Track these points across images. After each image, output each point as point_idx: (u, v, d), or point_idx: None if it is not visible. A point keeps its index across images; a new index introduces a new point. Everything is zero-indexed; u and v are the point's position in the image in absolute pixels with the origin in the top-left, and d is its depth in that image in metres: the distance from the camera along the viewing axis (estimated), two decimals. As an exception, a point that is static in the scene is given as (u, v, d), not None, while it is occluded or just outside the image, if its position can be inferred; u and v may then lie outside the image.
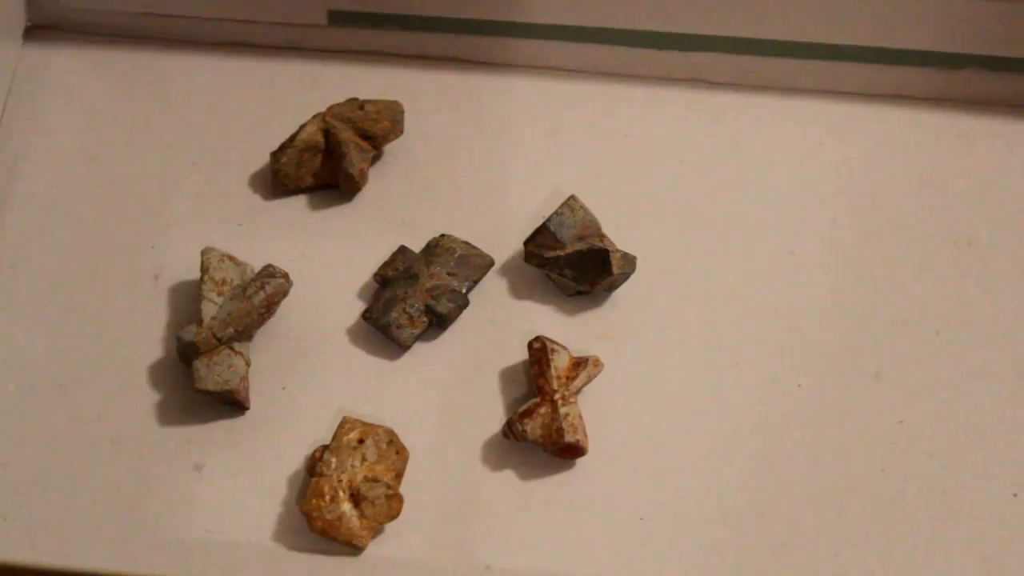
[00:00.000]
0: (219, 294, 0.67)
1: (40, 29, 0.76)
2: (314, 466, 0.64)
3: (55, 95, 0.74)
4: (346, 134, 0.72)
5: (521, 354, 0.68)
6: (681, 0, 0.73)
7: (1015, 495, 0.66)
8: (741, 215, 0.72)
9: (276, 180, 0.72)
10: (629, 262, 0.69)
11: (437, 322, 0.69)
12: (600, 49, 0.75)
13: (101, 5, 0.75)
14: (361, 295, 0.70)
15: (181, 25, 0.76)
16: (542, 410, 0.65)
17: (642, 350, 0.68)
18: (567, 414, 0.65)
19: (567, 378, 0.66)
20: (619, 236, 0.70)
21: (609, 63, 0.75)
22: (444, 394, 0.68)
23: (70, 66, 0.75)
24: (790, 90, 0.75)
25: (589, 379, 0.66)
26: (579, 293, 0.70)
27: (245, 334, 0.67)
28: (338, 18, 0.75)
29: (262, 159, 0.73)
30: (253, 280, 0.68)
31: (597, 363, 0.67)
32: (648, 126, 0.74)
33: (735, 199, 0.72)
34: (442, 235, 0.70)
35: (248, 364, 0.67)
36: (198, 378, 0.66)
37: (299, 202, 0.72)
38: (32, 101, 0.74)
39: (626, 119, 0.74)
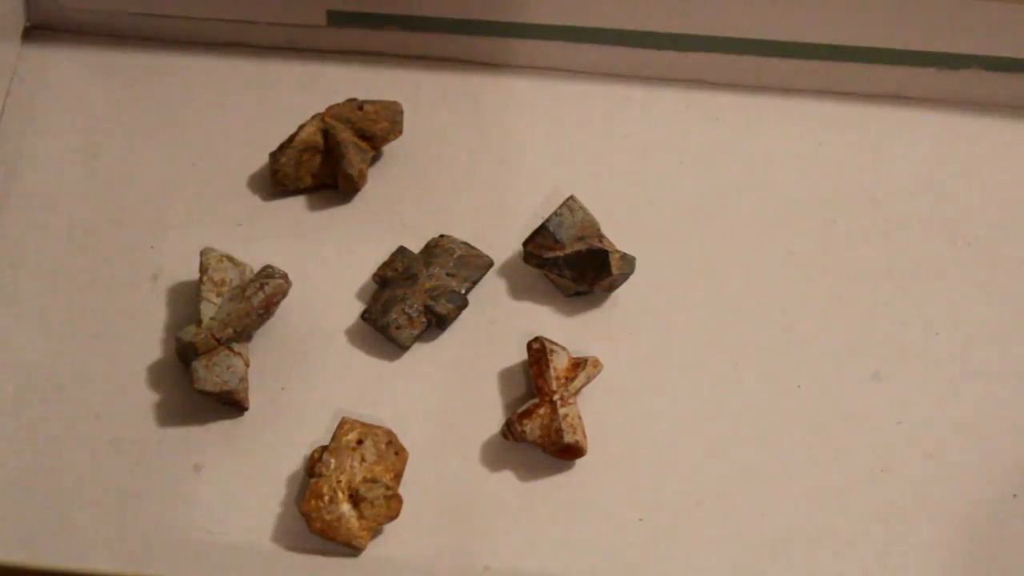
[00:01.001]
0: (218, 295, 0.67)
1: (39, 30, 0.76)
2: (313, 467, 0.64)
3: (54, 96, 0.74)
4: (345, 134, 0.72)
5: (520, 355, 0.68)
6: (680, 1, 0.73)
7: (1015, 496, 0.66)
8: (740, 215, 0.72)
9: (275, 180, 0.72)
10: (628, 263, 0.69)
11: (436, 323, 0.69)
12: (599, 49, 0.75)
13: (100, 6, 0.75)
14: (360, 296, 0.70)
15: (180, 25, 0.75)
16: (541, 411, 0.65)
17: (641, 351, 0.68)
18: (566, 415, 0.65)
19: (566, 379, 0.66)
20: (618, 236, 0.70)
21: (608, 63, 0.75)
22: (443, 395, 0.67)
23: (69, 67, 0.75)
24: (789, 90, 0.75)
25: (588, 380, 0.66)
26: (578, 294, 0.69)
27: (244, 335, 0.67)
28: (337, 18, 0.75)
29: (261, 159, 0.73)
30: (252, 281, 0.68)
31: (596, 364, 0.67)
32: (647, 126, 0.74)
33: (734, 199, 0.72)
34: (441, 235, 0.70)
35: (247, 365, 0.67)
36: (197, 379, 0.65)
37: (298, 203, 0.72)
38: (31, 102, 0.74)
39: (625, 119, 0.74)
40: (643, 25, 0.74)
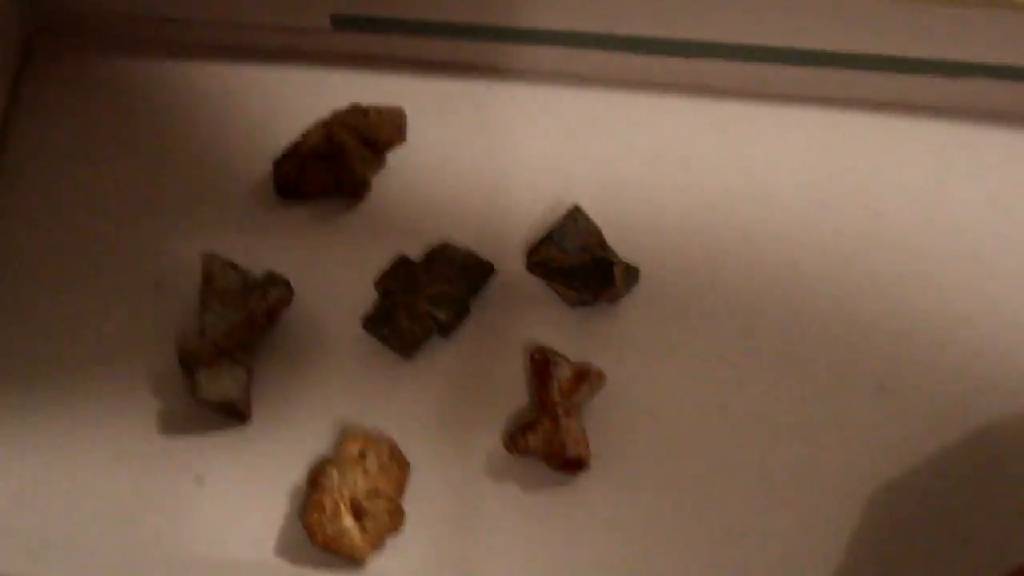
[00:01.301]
0: (221, 303, 0.67)
1: (42, 34, 0.75)
2: (316, 479, 0.64)
3: (57, 102, 0.74)
4: (349, 141, 0.71)
5: (523, 365, 0.68)
6: (685, 6, 0.72)
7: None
8: (745, 226, 0.71)
9: (278, 187, 0.72)
10: (633, 274, 0.69)
11: (438, 331, 0.68)
12: (605, 56, 0.74)
13: (103, 10, 0.75)
14: (363, 304, 0.69)
15: (183, 30, 0.75)
16: (544, 423, 0.65)
17: (645, 362, 0.68)
18: (569, 427, 0.65)
19: (569, 391, 0.66)
20: (623, 247, 0.70)
21: (614, 70, 0.75)
22: (445, 405, 0.67)
23: (71, 72, 0.75)
24: (795, 98, 0.74)
25: (592, 392, 0.66)
26: (582, 304, 0.69)
27: (247, 344, 0.67)
28: (341, 23, 0.75)
29: (264, 166, 0.72)
30: (255, 289, 0.67)
31: (600, 376, 0.66)
32: (652, 134, 0.74)
33: (739, 209, 0.72)
34: (444, 243, 0.70)
35: (249, 374, 0.66)
36: (199, 388, 0.65)
37: (301, 209, 0.72)
38: (34, 108, 0.74)
39: (630, 127, 0.74)
40: (649, 31, 0.73)
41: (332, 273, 0.70)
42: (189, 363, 0.66)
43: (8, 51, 0.74)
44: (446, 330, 0.68)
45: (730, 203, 0.72)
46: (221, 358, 0.66)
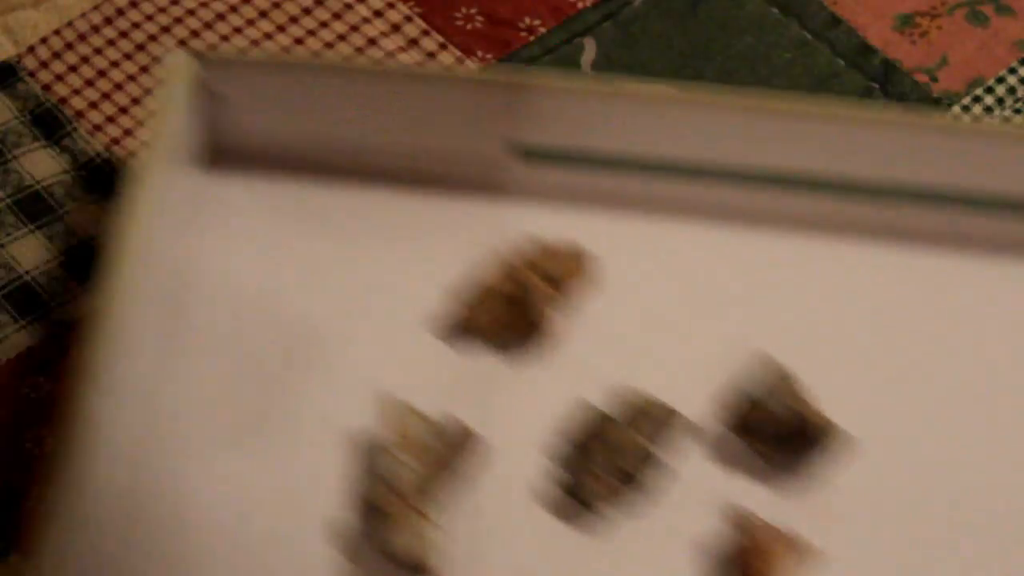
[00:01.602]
0: (404, 450, 0.64)
1: (218, 158, 0.73)
2: (511, 648, 0.61)
3: (232, 227, 0.72)
4: (531, 278, 0.69)
5: (724, 527, 0.64)
6: (881, 149, 0.69)
7: None
8: (956, 386, 0.68)
9: (457, 325, 0.69)
10: (837, 434, 0.65)
11: (631, 487, 0.65)
12: (796, 199, 0.71)
13: (278, 138, 0.72)
14: (549, 455, 0.66)
15: (357, 157, 0.73)
16: (752, 596, 0.62)
17: (856, 533, 0.64)
18: (781, 603, 0.62)
19: (776, 562, 0.62)
20: (825, 404, 0.66)
21: (808, 214, 0.72)
22: (641, 567, 0.64)
23: (247, 197, 0.73)
24: (995, 247, 0.71)
25: (802, 564, 0.63)
26: (786, 466, 0.66)
27: (433, 496, 0.64)
28: (525, 155, 0.72)
29: (442, 302, 0.70)
30: (441, 438, 0.65)
31: (809, 548, 0.63)
32: (851, 284, 0.70)
33: (949, 368, 0.68)
34: (633, 391, 0.67)
35: (438, 529, 0.63)
36: (384, 544, 0.62)
37: (481, 349, 0.69)
38: (209, 233, 0.71)
39: (830, 277, 0.71)
40: (841, 171, 0.71)
41: (516, 421, 0.67)
42: (373, 517, 0.63)
43: (183, 174, 0.71)
44: (639, 487, 0.65)
45: (940, 361, 0.68)
46: (407, 512, 0.63)
